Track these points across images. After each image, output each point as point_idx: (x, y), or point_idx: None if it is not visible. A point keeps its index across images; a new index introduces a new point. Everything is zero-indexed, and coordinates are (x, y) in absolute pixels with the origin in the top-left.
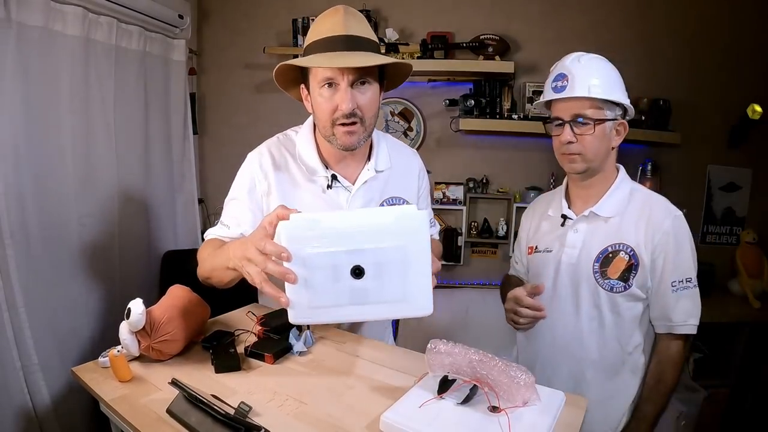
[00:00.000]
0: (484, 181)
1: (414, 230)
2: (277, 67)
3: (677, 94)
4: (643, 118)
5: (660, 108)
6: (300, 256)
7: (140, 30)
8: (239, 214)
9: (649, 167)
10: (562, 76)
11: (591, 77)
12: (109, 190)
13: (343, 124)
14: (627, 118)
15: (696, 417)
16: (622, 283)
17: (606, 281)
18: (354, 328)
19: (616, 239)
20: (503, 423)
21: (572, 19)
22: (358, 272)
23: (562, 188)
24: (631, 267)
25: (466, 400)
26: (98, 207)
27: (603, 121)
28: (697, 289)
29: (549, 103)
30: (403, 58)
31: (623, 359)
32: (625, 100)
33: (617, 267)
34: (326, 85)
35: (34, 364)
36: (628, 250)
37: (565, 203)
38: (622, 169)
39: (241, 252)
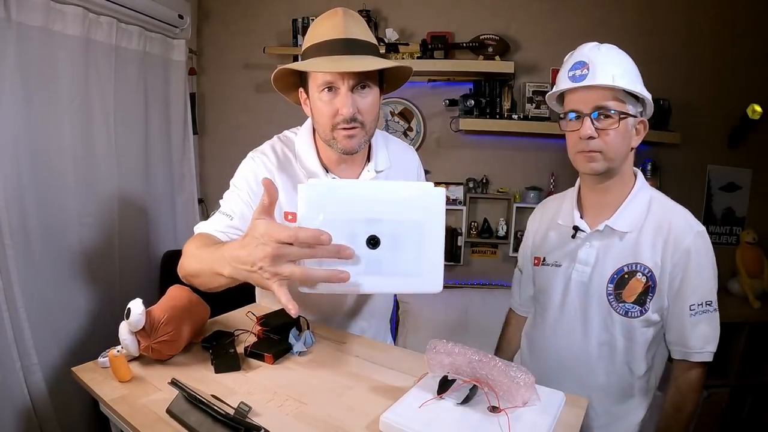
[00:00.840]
0: (484, 181)
1: (433, 207)
2: (276, 70)
3: (677, 94)
4: None
5: (660, 108)
6: (317, 221)
7: (140, 30)
8: (245, 208)
9: (649, 167)
10: (581, 64)
11: (613, 66)
12: (109, 190)
13: (343, 128)
14: (646, 116)
15: (696, 417)
16: (638, 308)
17: (621, 305)
18: (354, 328)
19: (633, 258)
20: (503, 423)
21: (572, 19)
22: (374, 242)
23: (573, 193)
24: (648, 289)
25: (466, 401)
26: (98, 207)
27: (627, 115)
28: (717, 313)
29: (561, 98)
30: (403, 58)
31: (632, 383)
32: (648, 95)
33: (633, 289)
34: (326, 90)
35: (34, 364)
36: (646, 271)
37: (576, 212)
38: (640, 174)
39: (257, 253)
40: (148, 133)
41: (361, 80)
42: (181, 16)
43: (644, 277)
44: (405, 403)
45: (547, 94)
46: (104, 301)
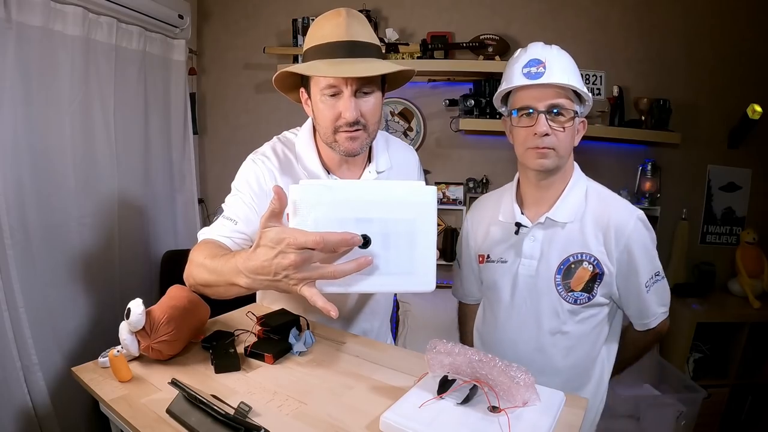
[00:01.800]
0: (484, 181)
1: (424, 205)
2: (277, 73)
3: (677, 94)
4: (643, 118)
5: (660, 108)
6: (308, 220)
7: (140, 30)
8: (249, 212)
9: (649, 167)
10: (537, 62)
11: (566, 66)
12: (109, 190)
13: (346, 131)
14: (583, 116)
15: (696, 417)
16: (586, 295)
17: (569, 294)
18: (355, 329)
19: (578, 248)
20: (503, 423)
21: (572, 19)
22: (365, 242)
23: (511, 189)
24: (596, 277)
25: (466, 400)
26: (98, 207)
27: (575, 114)
28: (665, 279)
29: (506, 97)
30: (403, 58)
31: (588, 366)
32: (590, 96)
33: (581, 278)
34: (328, 93)
35: (34, 364)
36: (591, 259)
37: (517, 208)
38: (576, 166)
39: (280, 262)
40: (148, 133)
41: (364, 84)
42: (181, 16)
43: (590, 265)
44: (405, 403)
45: (499, 90)
46: (104, 301)
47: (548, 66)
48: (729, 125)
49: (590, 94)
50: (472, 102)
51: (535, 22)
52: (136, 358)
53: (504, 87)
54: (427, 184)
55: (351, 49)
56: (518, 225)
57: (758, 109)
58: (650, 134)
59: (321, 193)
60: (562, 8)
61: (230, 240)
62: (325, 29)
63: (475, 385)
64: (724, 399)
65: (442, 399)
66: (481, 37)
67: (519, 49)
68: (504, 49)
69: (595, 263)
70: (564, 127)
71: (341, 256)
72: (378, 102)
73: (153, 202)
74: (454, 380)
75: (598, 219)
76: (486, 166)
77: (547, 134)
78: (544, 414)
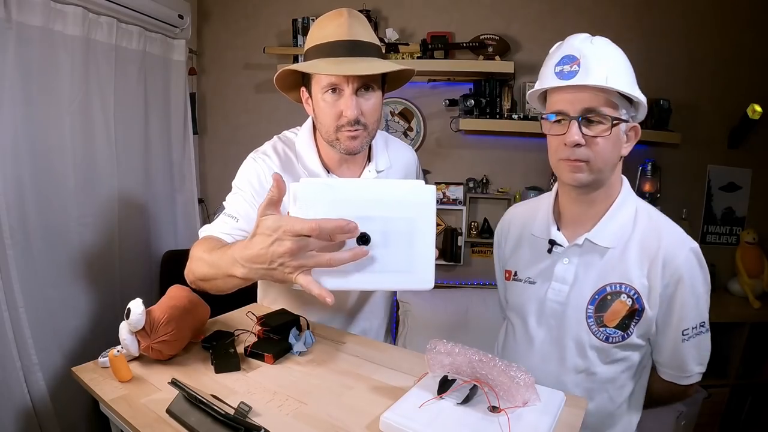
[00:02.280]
0: (484, 181)
1: (423, 204)
2: (279, 71)
3: (677, 94)
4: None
5: (660, 108)
6: (308, 218)
7: (140, 30)
8: (249, 210)
9: (649, 167)
10: (571, 59)
11: (607, 63)
12: (109, 190)
13: (347, 130)
14: (638, 120)
15: (696, 417)
16: (620, 333)
17: (601, 330)
18: (355, 328)
19: (617, 277)
20: (503, 423)
21: (572, 19)
22: (364, 240)
23: (549, 201)
24: (633, 313)
25: (466, 400)
26: (98, 207)
27: (619, 121)
28: (709, 333)
29: (544, 95)
30: (403, 58)
31: (613, 412)
32: (643, 98)
33: (616, 313)
34: (330, 91)
35: (34, 364)
36: (631, 292)
37: (553, 223)
38: (626, 181)
39: (276, 249)
40: (148, 133)
41: (365, 83)
42: (181, 16)
43: (629, 299)
44: (405, 403)
45: (529, 92)
46: (104, 301)
47: (584, 64)
48: (729, 125)
49: (642, 97)
50: (472, 102)
51: (535, 22)
52: (136, 358)
53: (536, 87)
54: (426, 183)
55: (352, 49)
56: (552, 243)
57: (758, 109)
58: (650, 134)
59: (322, 192)
60: (562, 8)
61: (231, 237)
62: (327, 29)
63: (475, 385)
64: (724, 399)
65: (442, 399)
66: (481, 37)
67: (558, 42)
68: (504, 49)
69: (635, 297)
70: (602, 138)
71: (339, 247)
72: (378, 101)
73: (153, 202)
74: (454, 380)
75: (646, 246)
76: (486, 166)
77: (579, 144)
78: (544, 414)
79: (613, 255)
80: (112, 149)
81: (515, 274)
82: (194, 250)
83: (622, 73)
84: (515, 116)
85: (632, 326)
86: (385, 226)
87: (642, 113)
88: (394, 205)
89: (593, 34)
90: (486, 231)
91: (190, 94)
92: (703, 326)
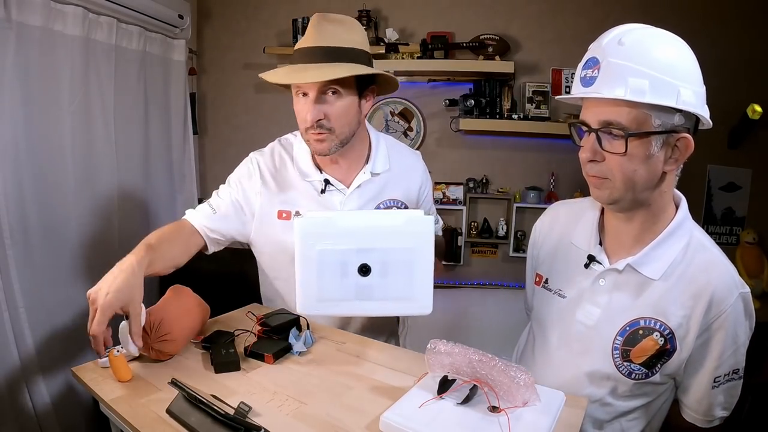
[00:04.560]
0: (484, 181)
1: (421, 234)
2: (260, 77)
3: None
4: None
5: None
6: (312, 251)
7: (140, 30)
8: (230, 209)
9: None
10: (593, 62)
11: (635, 67)
12: (109, 190)
13: (313, 132)
14: (700, 126)
15: None
16: (644, 371)
17: (626, 364)
18: (355, 329)
19: (653, 312)
20: (503, 423)
21: (572, 19)
22: (365, 270)
23: (594, 213)
24: (663, 353)
25: (466, 400)
26: (98, 207)
27: (644, 134)
28: (742, 380)
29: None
30: (402, 58)
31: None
32: (693, 102)
33: (644, 350)
34: (301, 94)
35: (34, 364)
36: (665, 331)
37: (595, 237)
38: (683, 204)
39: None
40: (148, 133)
41: (329, 86)
42: (181, 16)
43: (662, 338)
44: (405, 403)
45: (558, 98)
46: None
47: (603, 70)
48: (729, 125)
49: (692, 103)
50: (472, 102)
51: (535, 22)
52: (136, 358)
53: (563, 96)
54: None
55: (314, 55)
56: (591, 258)
57: (758, 109)
58: None
59: (323, 225)
60: (562, 8)
61: (204, 229)
62: (304, 36)
63: (475, 385)
64: None
65: (442, 399)
66: (481, 37)
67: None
68: (504, 49)
69: (668, 336)
70: (618, 153)
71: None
72: (347, 105)
73: (153, 201)
74: (454, 380)
75: (694, 282)
76: (486, 166)
77: (594, 160)
78: (544, 414)
79: (655, 287)
80: (112, 149)
81: (546, 281)
82: (168, 226)
83: (657, 76)
84: (515, 116)
85: (658, 366)
86: (385, 256)
87: (687, 121)
88: (393, 235)
89: (592, 35)
90: (486, 231)
91: (190, 94)
92: (736, 373)
